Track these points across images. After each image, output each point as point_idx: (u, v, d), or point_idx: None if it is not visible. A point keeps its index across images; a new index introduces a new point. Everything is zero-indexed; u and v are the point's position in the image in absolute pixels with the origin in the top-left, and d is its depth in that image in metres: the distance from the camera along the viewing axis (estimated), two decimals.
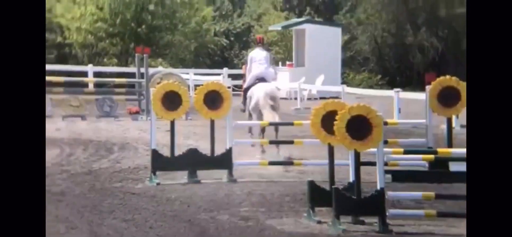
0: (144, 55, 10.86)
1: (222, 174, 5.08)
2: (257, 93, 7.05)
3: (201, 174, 5.03)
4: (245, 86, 7.82)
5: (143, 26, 20.45)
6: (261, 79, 7.50)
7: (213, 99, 5.13)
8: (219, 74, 16.24)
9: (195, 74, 16.66)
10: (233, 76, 17.18)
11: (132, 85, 11.52)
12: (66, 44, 21.11)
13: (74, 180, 4.94)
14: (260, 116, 6.85)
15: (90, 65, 18.04)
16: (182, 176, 5.03)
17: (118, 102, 10.37)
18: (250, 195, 4.58)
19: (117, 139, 7.30)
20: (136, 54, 11.37)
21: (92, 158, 6.02)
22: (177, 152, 5.11)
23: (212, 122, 5.21)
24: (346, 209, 3.70)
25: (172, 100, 5.08)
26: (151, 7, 20.37)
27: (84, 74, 16.75)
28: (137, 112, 10.40)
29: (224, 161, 5.10)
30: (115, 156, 6.21)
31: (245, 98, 7.54)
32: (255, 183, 5.01)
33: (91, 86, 14.13)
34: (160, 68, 16.36)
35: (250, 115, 7.18)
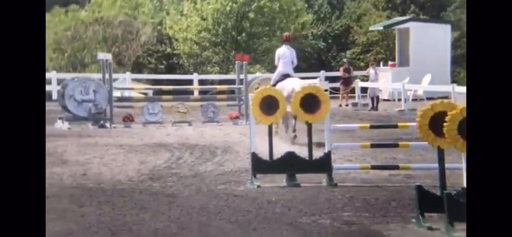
0: (244, 62, 11.10)
1: (322, 177, 4.97)
2: (288, 86, 7.48)
3: (299, 177, 4.96)
4: (272, 82, 8.34)
5: (243, 34, 20.94)
6: (287, 75, 8.09)
7: (309, 102, 5.05)
8: (315, 77, 16.06)
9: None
10: (330, 79, 16.87)
11: (232, 91, 11.83)
12: (174, 54, 22.33)
13: (183, 182, 5.12)
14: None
15: (195, 74, 18.90)
16: (281, 179, 5.00)
17: (220, 108, 10.71)
18: (353, 199, 4.40)
19: (220, 143, 7.50)
20: (236, 62, 11.66)
21: (198, 161, 6.22)
22: (276, 155, 5.10)
23: (309, 126, 5.12)
24: (461, 215, 3.40)
25: (269, 105, 5.08)
26: (251, 15, 20.78)
27: (190, 82, 17.55)
28: (237, 117, 10.65)
29: (323, 165, 4.97)
30: (218, 159, 6.37)
31: None
32: (357, 188, 4.82)
33: (196, 93, 14.78)
34: (258, 74, 16.61)
35: None
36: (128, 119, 10.11)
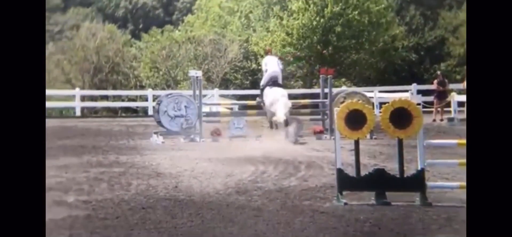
0: (328, 76, 10.97)
1: (414, 196, 4.73)
2: (271, 95, 9.37)
3: (389, 195, 4.74)
4: (261, 85, 9.76)
5: (329, 48, 20.70)
6: (275, 78, 9.73)
7: (400, 117, 4.84)
8: (407, 91, 15.42)
9: (380, 91, 16.12)
10: (423, 92, 16.12)
11: (316, 106, 11.72)
12: (259, 70, 22.73)
13: (268, 197, 5.12)
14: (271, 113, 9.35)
15: None
16: (369, 197, 4.83)
17: (303, 122, 10.65)
18: (450, 220, 4.06)
19: (303, 158, 7.43)
20: (320, 75, 11.56)
21: (282, 176, 6.20)
22: (363, 172, 4.95)
23: (400, 141, 4.87)
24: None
25: (356, 120, 4.93)
26: (338, 29, 20.49)
27: None
28: (321, 132, 10.51)
29: (415, 183, 4.70)
30: (302, 174, 6.30)
31: (261, 94, 9.69)
32: (454, 208, 4.45)
33: None
34: (343, 87, 16.30)
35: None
36: (215, 133, 10.41)
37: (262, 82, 9.93)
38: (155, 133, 10.44)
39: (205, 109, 11.71)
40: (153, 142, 9.88)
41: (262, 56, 22.03)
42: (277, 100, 9.43)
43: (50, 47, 24.55)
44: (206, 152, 8.27)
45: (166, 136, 10.26)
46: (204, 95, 14.45)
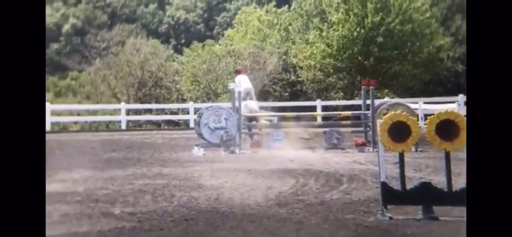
0: (370, 87, 10.76)
1: (463, 211, 4.51)
2: (249, 107, 11.40)
3: (437, 210, 4.56)
4: (237, 104, 10.79)
5: (370, 59, 20.37)
6: (249, 91, 11.71)
7: (447, 129, 4.64)
8: (453, 102, 14.91)
9: (425, 103, 15.65)
10: None
11: (358, 117, 11.49)
12: (298, 82, 22.63)
13: (309, 210, 5.03)
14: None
15: (318, 100, 18.85)
16: (415, 211, 4.65)
17: (344, 134, 10.46)
18: None
19: (345, 170, 7.27)
20: (362, 87, 11.36)
21: (324, 189, 6.09)
22: (409, 186, 4.77)
23: (447, 154, 4.68)
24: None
25: (400, 131, 4.77)
26: (380, 39, 20.15)
27: (313, 108, 17.53)
28: (363, 144, 10.28)
29: (464, 197, 4.51)
30: (345, 187, 6.16)
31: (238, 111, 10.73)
32: None
33: (319, 119, 14.70)
34: (386, 99, 15.95)
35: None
36: (255, 145, 10.38)
37: (237, 102, 11.11)
38: (196, 145, 10.54)
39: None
40: (195, 154, 9.97)
41: (301, 68, 22.01)
42: (255, 110, 11.69)
43: (97, 63, 25.43)
44: (246, 164, 8.26)
45: (207, 148, 10.34)
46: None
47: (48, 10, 42.68)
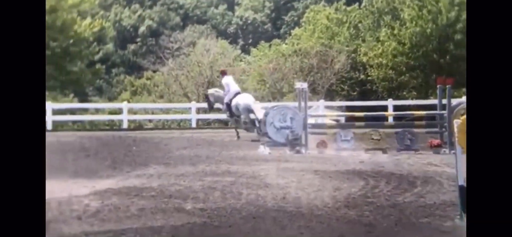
0: (447, 86, 10.24)
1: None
2: (245, 100, 12.05)
3: None
4: (226, 100, 12.05)
5: (447, 57, 19.44)
6: (238, 92, 12.11)
7: None
8: None
9: None
10: None
11: (432, 118, 10.97)
12: (367, 81, 22.06)
13: (380, 213, 4.84)
14: (248, 113, 11.94)
15: (389, 100, 18.23)
16: None
17: (418, 135, 10.03)
18: None
19: (419, 173, 6.94)
20: (438, 86, 10.83)
21: (396, 191, 5.84)
22: None
23: None
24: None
25: None
26: (458, 36, 19.14)
27: (384, 108, 16.97)
28: (439, 145, 9.79)
29: None
30: (418, 190, 5.87)
31: (229, 108, 12.10)
32: None
33: (390, 119, 14.20)
34: (464, 98, 15.11)
35: (232, 115, 12.16)
36: (321, 145, 10.23)
37: (227, 99, 12.18)
38: (262, 144, 10.57)
39: (311, 121, 11.61)
40: (261, 152, 10.00)
41: (371, 67, 21.43)
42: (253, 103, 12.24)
43: (169, 63, 26.39)
44: (312, 164, 8.15)
45: (273, 147, 10.34)
46: (310, 107, 14.35)
47: (126, 12, 45.02)
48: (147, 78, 29.71)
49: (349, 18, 25.06)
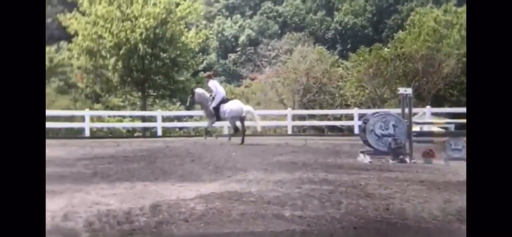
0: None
1: None
2: (236, 106, 12.81)
3: None
4: (214, 105, 12.57)
5: None
6: (226, 99, 12.82)
7: None
8: None
9: None
10: None
11: None
12: None
13: None
14: (237, 121, 12.78)
15: None
16: None
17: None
18: None
19: None
20: None
21: None
22: None
23: None
24: None
25: None
26: None
27: None
28: None
29: None
30: None
31: (216, 112, 12.63)
32: None
33: None
34: None
35: (212, 118, 12.79)
36: (428, 155, 9.64)
37: (215, 103, 12.72)
38: (362, 152, 10.25)
39: (416, 128, 11.01)
40: (360, 161, 9.70)
41: None
42: (248, 111, 13.17)
43: (266, 71, 26.86)
44: (418, 175, 7.70)
45: (373, 155, 9.97)
46: (414, 114, 13.65)
47: (228, 22, 46.94)
48: (246, 86, 30.51)
49: (459, 20, 23.50)
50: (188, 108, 19.17)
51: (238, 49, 43.44)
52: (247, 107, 13.45)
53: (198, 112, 24.40)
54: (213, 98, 12.92)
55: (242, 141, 12.73)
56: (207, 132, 13.41)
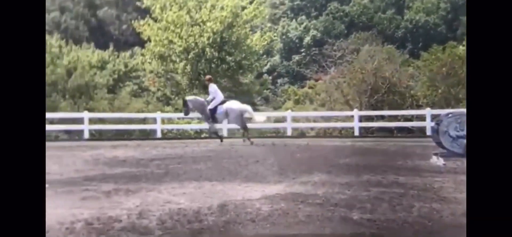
0: None
1: None
2: (236, 105, 13.21)
3: None
4: (211, 107, 12.84)
5: None
6: (224, 101, 13.08)
7: None
8: None
9: None
10: None
11: None
12: None
13: None
14: (242, 120, 13.16)
15: None
16: None
17: None
18: None
19: None
20: None
21: None
22: None
23: None
24: None
25: None
26: None
27: None
28: None
29: None
30: None
31: (212, 114, 12.85)
32: None
33: None
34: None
35: (210, 121, 13.09)
36: None
37: (212, 106, 12.97)
38: (435, 154, 9.79)
39: None
40: (433, 163, 9.27)
41: None
42: (246, 109, 13.27)
43: (331, 71, 26.48)
44: None
45: (448, 158, 9.49)
46: None
47: (293, 24, 46.89)
48: (310, 87, 30.26)
49: None
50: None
51: (302, 50, 43.21)
52: (244, 106, 13.65)
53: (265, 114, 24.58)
54: (209, 102, 13.23)
55: (249, 139, 12.97)
56: (215, 134, 13.63)
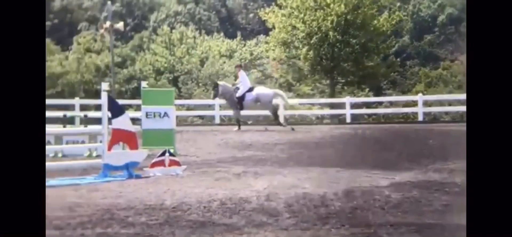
0: None
1: None
2: (265, 90, 13.87)
3: None
4: (239, 94, 13.25)
5: None
6: (252, 88, 13.61)
7: None
8: None
9: None
10: None
11: None
12: None
13: None
14: (273, 106, 13.46)
15: None
16: None
17: None
18: None
19: None
20: None
21: None
22: None
23: None
24: None
25: None
26: None
27: None
28: None
29: None
30: None
31: (240, 102, 13.28)
32: None
33: None
34: None
35: (238, 108, 13.37)
36: None
37: (240, 93, 13.11)
38: None
39: None
40: None
41: None
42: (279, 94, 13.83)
43: None
44: None
45: None
46: None
47: (425, 2, 43.70)
48: (444, 68, 28.18)
49: None
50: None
51: (436, 29, 40.31)
52: (276, 90, 13.87)
53: (389, 98, 23.51)
54: (237, 88, 13.29)
55: (280, 124, 13.00)
56: (238, 122, 13.37)
